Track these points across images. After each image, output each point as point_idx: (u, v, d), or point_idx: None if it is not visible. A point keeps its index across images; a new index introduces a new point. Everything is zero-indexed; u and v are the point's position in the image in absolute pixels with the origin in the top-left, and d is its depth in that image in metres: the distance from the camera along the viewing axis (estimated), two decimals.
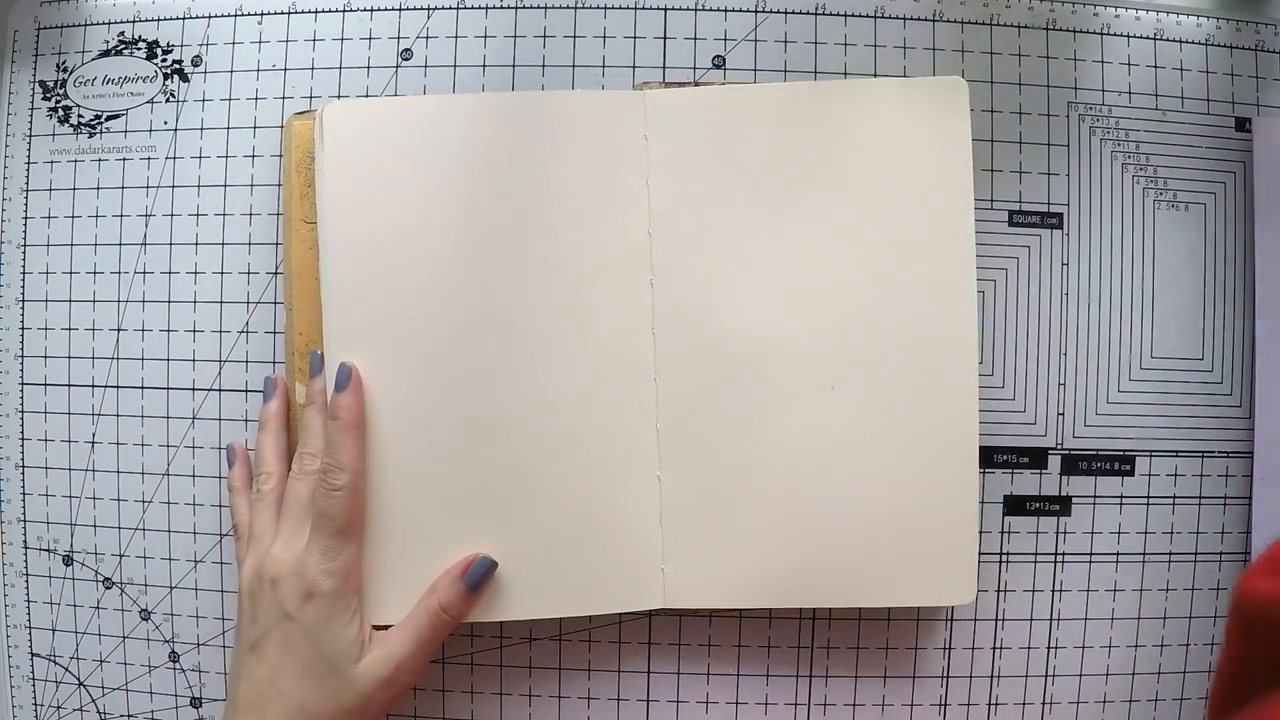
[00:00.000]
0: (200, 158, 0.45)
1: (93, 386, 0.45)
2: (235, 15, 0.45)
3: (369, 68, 0.44)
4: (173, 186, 0.45)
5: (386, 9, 0.44)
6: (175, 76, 0.45)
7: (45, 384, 0.45)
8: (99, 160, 0.45)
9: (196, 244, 0.45)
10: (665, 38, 0.44)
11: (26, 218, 0.46)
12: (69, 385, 0.45)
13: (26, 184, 0.46)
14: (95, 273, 0.45)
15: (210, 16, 0.45)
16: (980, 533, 0.41)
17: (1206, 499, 0.44)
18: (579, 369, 0.40)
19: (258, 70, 0.45)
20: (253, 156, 0.45)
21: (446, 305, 0.40)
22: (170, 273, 0.45)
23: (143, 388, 0.45)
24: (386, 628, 0.39)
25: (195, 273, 0.45)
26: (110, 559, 0.45)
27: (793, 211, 0.41)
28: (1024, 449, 0.44)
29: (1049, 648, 0.44)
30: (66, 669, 0.46)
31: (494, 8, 0.44)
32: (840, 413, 0.40)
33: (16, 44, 0.46)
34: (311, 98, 0.44)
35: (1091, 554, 0.44)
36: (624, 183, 0.41)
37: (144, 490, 0.45)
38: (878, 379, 0.40)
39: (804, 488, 0.40)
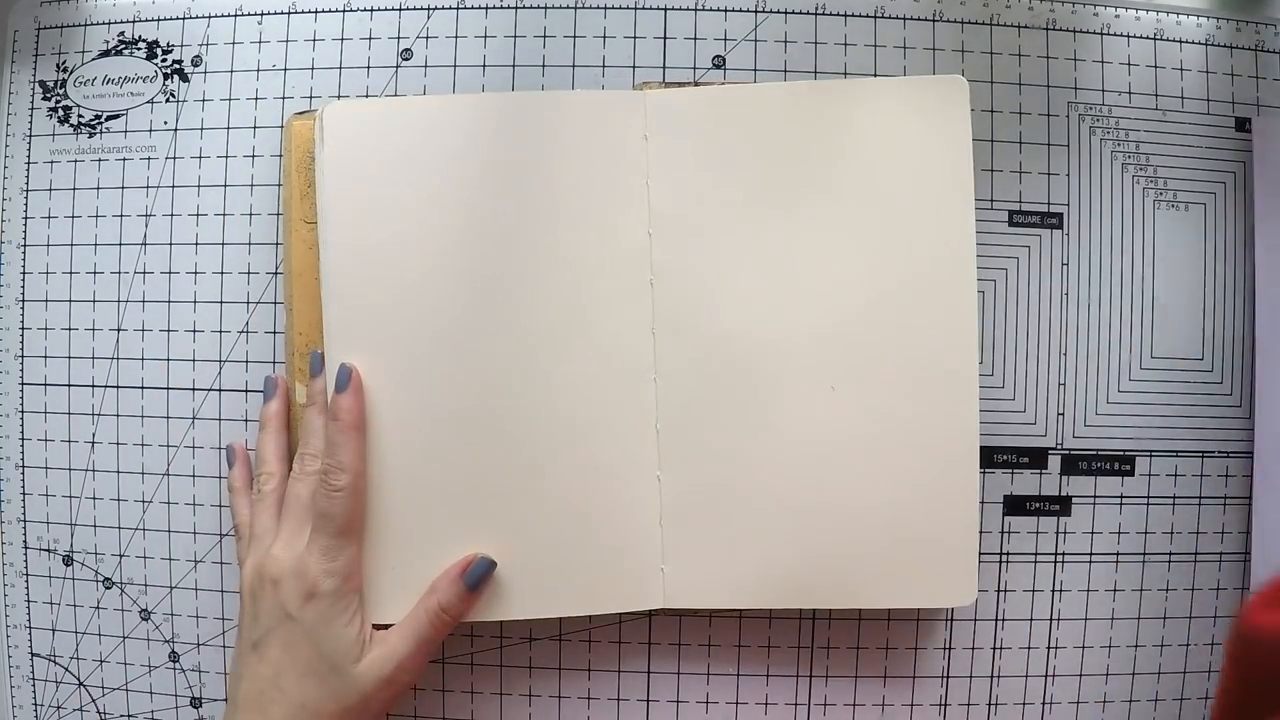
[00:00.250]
0: (200, 158, 0.45)
1: (93, 386, 0.45)
2: (235, 15, 0.45)
3: (369, 68, 0.44)
4: (173, 186, 0.45)
5: (386, 9, 0.44)
6: (175, 76, 0.45)
7: (45, 384, 0.45)
8: (99, 160, 0.45)
9: (196, 244, 0.45)
10: (665, 38, 0.44)
11: (26, 218, 0.46)
12: (69, 385, 0.45)
13: (26, 184, 0.46)
14: (95, 273, 0.45)
15: (210, 16, 0.45)
16: (980, 533, 0.41)
17: (1206, 499, 0.44)
18: (579, 369, 0.40)
19: (258, 70, 0.45)
20: (253, 156, 0.45)
21: (446, 305, 0.40)
22: (170, 273, 0.45)
23: (143, 388, 0.45)
24: (387, 627, 0.39)
25: (195, 273, 0.45)
26: (110, 559, 0.45)
27: (793, 211, 0.41)
28: (1024, 449, 0.44)
29: (1049, 648, 0.44)
30: (66, 669, 0.46)
31: (494, 8, 0.44)
32: (840, 412, 0.40)
33: (16, 44, 0.46)
34: (311, 98, 0.44)
35: (1091, 554, 0.44)
36: (624, 183, 0.41)
37: (144, 490, 0.45)
38: (878, 379, 0.40)
39: (804, 487, 0.40)
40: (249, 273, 0.44)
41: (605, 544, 0.40)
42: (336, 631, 0.37)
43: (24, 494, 0.45)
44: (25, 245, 0.46)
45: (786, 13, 0.44)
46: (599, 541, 0.40)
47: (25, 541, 0.46)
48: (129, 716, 0.45)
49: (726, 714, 0.44)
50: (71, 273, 0.45)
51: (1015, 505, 0.44)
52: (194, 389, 0.45)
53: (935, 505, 0.40)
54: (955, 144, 0.41)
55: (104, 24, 0.45)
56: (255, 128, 0.45)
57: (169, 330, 0.45)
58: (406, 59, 0.44)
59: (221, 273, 0.45)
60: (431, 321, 0.40)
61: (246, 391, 0.44)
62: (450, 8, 0.44)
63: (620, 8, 0.44)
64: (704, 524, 0.41)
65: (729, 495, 0.41)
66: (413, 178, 0.40)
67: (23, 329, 0.46)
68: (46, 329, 0.45)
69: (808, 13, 0.44)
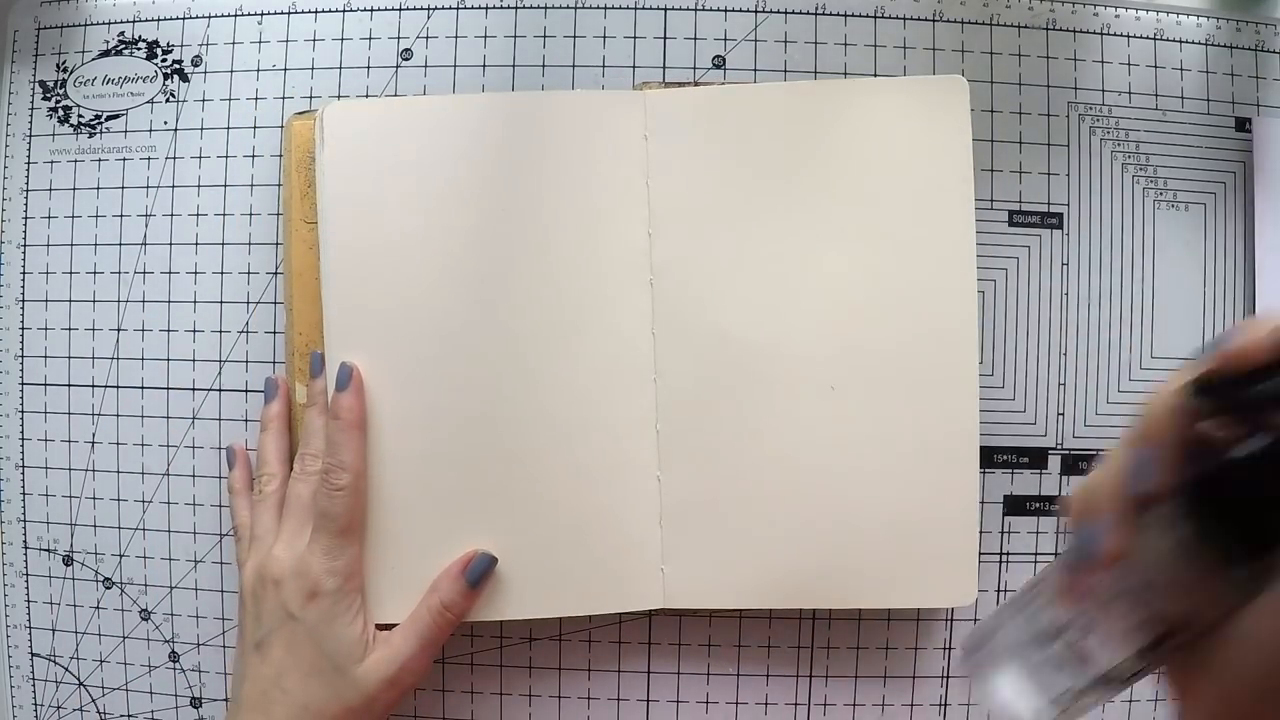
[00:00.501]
0: (200, 158, 0.45)
1: (93, 386, 0.45)
2: (235, 15, 0.45)
3: (369, 68, 0.44)
4: (173, 186, 0.45)
5: (386, 9, 0.44)
6: (175, 76, 0.45)
7: (45, 384, 0.45)
8: (99, 160, 0.45)
9: (196, 244, 0.45)
10: (665, 38, 0.44)
11: (26, 218, 0.45)
12: (69, 385, 0.45)
13: (26, 184, 0.46)
14: (95, 273, 0.45)
15: (210, 16, 0.45)
16: (980, 533, 0.41)
17: None
18: (578, 369, 0.40)
19: (258, 70, 0.45)
20: (253, 156, 0.45)
21: (447, 305, 0.40)
22: (170, 273, 0.45)
23: (143, 388, 0.45)
24: (389, 627, 0.39)
25: (195, 273, 0.45)
26: (110, 559, 0.45)
27: (793, 211, 0.41)
28: (1024, 449, 0.44)
29: None
30: (66, 669, 0.46)
31: (494, 8, 0.44)
32: (840, 413, 0.40)
33: (16, 44, 0.46)
34: (311, 98, 0.44)
35: None
36: (624, 183, 0.41)
37: (144, 490, 0.45)
38: (878, 379, 0.40)
39: (804, 488, 0.40)
40: (249, 273, 0.44)
41: (605, 544, 0.40)
42: (339, 631, 0.37)
43: (24, 494, 0.45)
44: (25, 245, 0.45)
45: (786, 13, 0.44)
46: (599, 541, 0.40)
47: (25, 541, 0.46)
48: (129, 716, 0.45)
49: (726, 714, 0.44)
50: (71, 273, 0.45)
51: (1015, 505, 0.44)
52: (194, 389, 0.45)
53: (935, 505, 0.40)
54: (955, 144, 0.41)
55: (104, 24, 0.45)
56: (255, 128, 0.45)
57: (169, 330, 0.45)
58: (406, 59, 0.44)
59: (221, 273, 0.45)
60: (432, 321, 0.40)
61: (246, 392, 0.44)
62: (450, 8, 0.44)
63: (620, 8, 0.44)
64: (704, 524, 0.41)
65: (729, 495, 0.41)
66: (413, 178, 0.40)
67: (23, 329, 0.46)
68: (46, 329, 0.45)
69: (808, 13, 0.44)
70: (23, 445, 0.45)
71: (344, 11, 0.45)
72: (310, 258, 0.41)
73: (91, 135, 0.45)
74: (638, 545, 0.41)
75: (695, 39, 0.44)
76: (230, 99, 0.45)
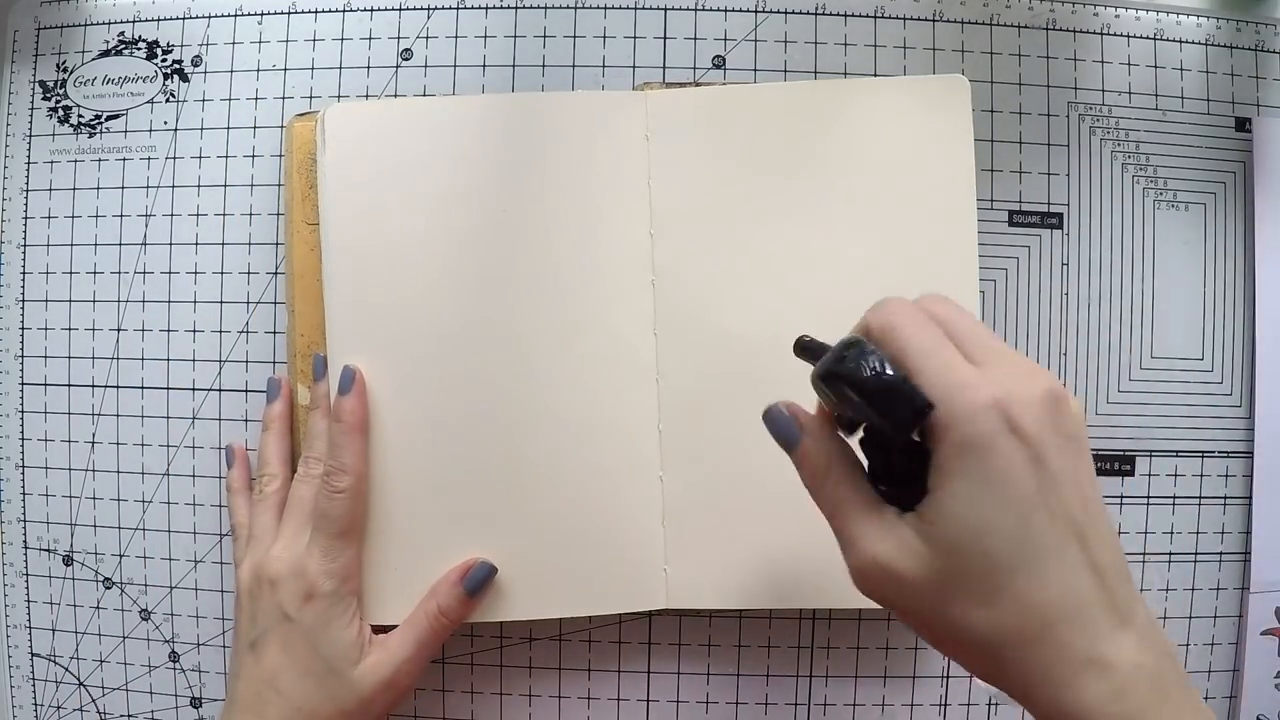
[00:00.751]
0: (200, 158, 0.45)
1: (93, 386, 0.45)
2: (235, 15, 0.45)
3: (369, 68, 0.44)
4: (173, 186, 0.45)
5: (386, 9, 0.44)
6: (175, 76, 0.45)
7: (45, 384, 0.45)
8: (99, 160, 0.45)
9: (196, 244, 0.45)
10: (665, 38, 0.44)
11: (26, 218, 0.45)
12: (69, 385, 0.45)
13: (26, 184, 0.45)
14: (95, 273, 0.45)
15: (210, 16, 0.45)
16: None
17: (1206, 499, 0.44)
18: (580, 369, 0.40)
19: (258, 70, 0.45)
20: (253, 156, 0.45)
21: (449, 307, 0.40)
22: (170, 273, 0.45)
23: (143, 388, 0.45)
24: (386, 629, 0.39)
25: (195, 273, 0.45)
26: (110, 559, 0.45)
27: (794, 211, 0.41)
28: None
29: None
30: (66, 669, 0.46)
31: (494, 8, 0.44)
32: None
33: (16, 44, 0.46)
34: (312, 98, 0.44)
35: None
36: (625, 183, 0.41)
37: (144, 490, 0.45)
38: None
39: None
40: (249, 273, 0.44)
41: (607, 544, 0.40)
42: (335, 633, 0.37)
43: (24, 494, 0.45)
44: (25, 245, 0.45)
45: (786, 13, 0.44)
46: (601, 542, 0.40)
47: (25, 541, 0.45)
48: (129, 716, 0.45)
49: (726, 714, 0.44)
50: (71, 273, 0.45)
51: None
52: (194, 389, 0.45)
53: None
54: (956, 143, 0.41)
55: (104, 24, 0.45)
56: (255, 128, 0.45)
57: (169, 330, 0.45)
58: (406, 59, 0.44)
59: (221, 273, 0.45)
60: (434, 323, 0.40)
61: (246, 392, 0.44)
62: (450, 8, 0.44)
63: (620, 8, 0.44)
64: (706, 524, 0.41)
65: (731, 495, 0.40)
66: (414, 179, 0.40)
67: (23, 329, 0.46)
68: (46, 329, 0.45)
69: (808, 13, 0.44)
70: (23, 445, 0.45)
71: (344, 11, 0.45)
72: (312, 259, 0.41)
73: (91, 135, 0.45)
74: (641, 545, 0.41)
75: (695, 39, 0.44)
76: (230, 99, 0.45)
